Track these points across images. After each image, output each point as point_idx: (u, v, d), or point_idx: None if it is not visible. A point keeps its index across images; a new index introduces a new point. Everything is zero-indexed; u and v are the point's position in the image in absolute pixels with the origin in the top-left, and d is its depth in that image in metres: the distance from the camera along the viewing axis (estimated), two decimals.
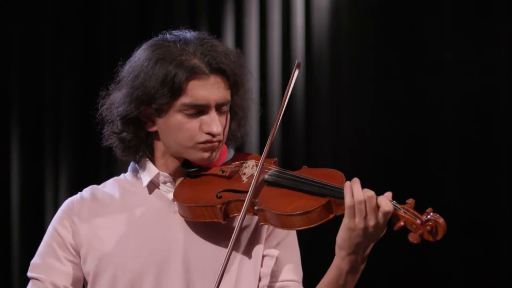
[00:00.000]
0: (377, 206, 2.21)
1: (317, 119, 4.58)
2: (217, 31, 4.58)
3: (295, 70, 2.41)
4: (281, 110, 2.38)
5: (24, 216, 4.61)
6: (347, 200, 2.21)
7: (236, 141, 2.51)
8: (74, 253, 2.42)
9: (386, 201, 2.21)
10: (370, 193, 2.22)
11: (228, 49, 2.42)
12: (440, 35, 4.50)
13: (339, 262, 2.25)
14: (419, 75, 4.51)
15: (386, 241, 4.35)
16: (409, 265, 4.50)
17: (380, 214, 2.20)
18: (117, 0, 4.69)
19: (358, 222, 2.20)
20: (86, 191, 2.49)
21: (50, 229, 2.46)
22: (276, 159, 2.45)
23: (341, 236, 2.24)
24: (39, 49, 4.64)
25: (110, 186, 2.49)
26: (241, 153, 2.51)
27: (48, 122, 4.64)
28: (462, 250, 4.47)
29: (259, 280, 2.41)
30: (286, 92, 2.41)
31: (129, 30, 4.61)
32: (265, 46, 4.59)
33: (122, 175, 2.52)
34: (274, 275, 2.41)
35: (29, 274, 2.44)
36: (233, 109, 2.45)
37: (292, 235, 2.45)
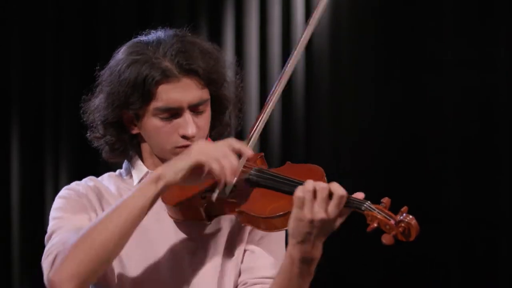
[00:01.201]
0: (328, 199, 2.15)
1: (317, 117, 4.58)
2: (217, 29, 4.58)
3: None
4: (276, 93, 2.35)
5: (24, 216, 4.61)
6: (296, 191, 2.17)
7: (229, 133, 2.51)
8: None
9: (338, 186, 2.16)
10: (323, 184, 2.17)
11: (204, 47, 2.39)
12: (440, 35, 4.50)
13: (290, 249, 2.20)
14: (419, 74, 4.51)
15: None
16: (408, 265, 4.50)
17: (332, 203, 2.15)
18: (117, 0, 4.69)
19: (306, 213, 2.15)
20: (89, 180, 2.48)
21: (60, 197, 2.40)
22: (263, 153, 2.42)
23: (291, 224, 2.19)
24: (39, 49, 4.65)
25: (106, 181, 2.49)
26: None
27: (48, 122, 4.64)
28: (462, 250, 4.47)
29: (239, 275, 2.40)
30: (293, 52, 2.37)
31: (129, 30, 4.61)
32: (265, 44, 4.59)
33: (117, 171, 2.53)
34: (251, 271, 2.39)
35: (46, 237, 2.35)
36: (222, 103, 2.44)
37: (277, 232, 2.42)
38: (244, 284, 2.39)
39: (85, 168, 4.56)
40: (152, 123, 2.36)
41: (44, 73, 4.65)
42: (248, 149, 2.25)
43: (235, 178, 2.23)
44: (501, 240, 4.46)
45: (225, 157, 2.20)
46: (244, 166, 2.31)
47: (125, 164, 2.51)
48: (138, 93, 2.32)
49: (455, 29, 4.48)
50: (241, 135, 4.53)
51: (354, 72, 4.56)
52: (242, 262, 2.41)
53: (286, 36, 4.58)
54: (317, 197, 2.15)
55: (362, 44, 4.56)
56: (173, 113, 2.35)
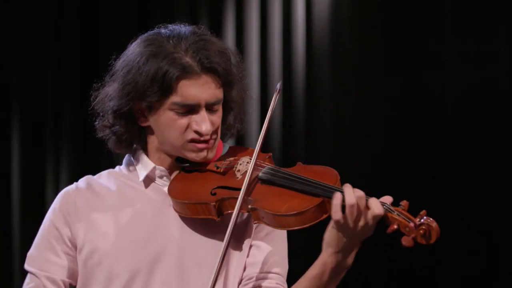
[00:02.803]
0: (367, 207, 2.20)
1: (317, 113, 4.58)
2: (217, 24, 4.59)
3: (276, 95, 2.41)
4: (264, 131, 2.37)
5: (25, 213, 4.61)
6: (334, 198, 2.20)
7: (232, 134, 2.52)
8: (71, 245, 2.42)
9: (377, 204, 2.20)
10: (360, 193, 2.20)
11: (222, 47, 2.41)
12: (440, 30, 4.50)
13: (326, 258, 2.24)
14: (419, 73, 4.51)
15: (384, 240, 4.35)
16: (408, 265, 4.49)
17: (369, 216, 2.20)
18: (117, 0, 4.70)
19: (349, 223, 2.20)
20: (82, 181, 2.49)
21: (46, 221, 2.47)
22: (271, 154, 2.44)
23: (329, 234, 2.23)
24: (39, 46, 4.66)
25: (105, 178, 2.50)
26: (236, 147, 2.52)
27: (49, 118, 4.65)
28: (461, 250, 4.47)
29: (244, 270, 2.42)
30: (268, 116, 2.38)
31: (129, 26, 4.62)
32: (265, 40, 4.60)
33: (117, 168, 2.53)
34: (258, 266, 2.41)
35: (26, 267, 2.45)
36: (229, 104, 2.45)
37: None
38: (250, 278, 2.40)
39: (86, 164, 4.56)
40: (166, 116, 2.37)
41: (44, 69, 4.66)
42: None
43: (245, 169, 2.24)
44: (501, 240, 4.46)
45: None
46: (256, 165, 2.33)
47: (126, 159, 2.51)
48: (157, 87, 2.33)
49: (455, 25, 4.47)
50: (242, 137, 4.54)
51: (354, 66, 4.55)
52: (248, 256, 2.42)
53: (286, 33, 4.58)
54: (359, 207, 2.19)
55: (363, 39, 4.56)
56: (189, 109, 2.36)
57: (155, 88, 2.33)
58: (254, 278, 2.40)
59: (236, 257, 2.41)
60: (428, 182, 4.49)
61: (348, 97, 4.57)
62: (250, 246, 2.43)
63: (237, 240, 2.41)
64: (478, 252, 4.47)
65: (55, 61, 4.67)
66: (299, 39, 4.57)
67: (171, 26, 2.44)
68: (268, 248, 2.42)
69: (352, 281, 4.52)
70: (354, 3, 4.55)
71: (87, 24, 4.71)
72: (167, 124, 2.37)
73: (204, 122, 2.35)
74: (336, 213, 2.20)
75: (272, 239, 2.43)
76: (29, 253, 2.45)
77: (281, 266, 2.43)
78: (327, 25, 4.56)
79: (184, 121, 2.36)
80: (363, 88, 4.56)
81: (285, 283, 2.42)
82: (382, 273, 4.54)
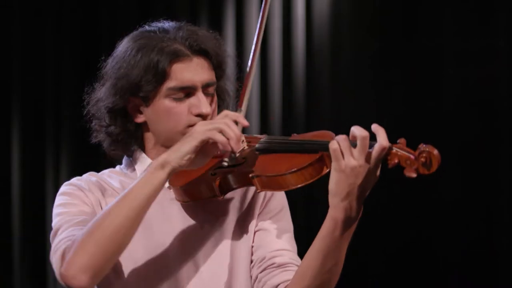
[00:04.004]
0: (367, 146, 2.16)
1: (317, 113, 4.58)
2: (217, 24, 4.59)
3: None
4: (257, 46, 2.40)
5: (25, 212, 4.61)
6: (330, 143, 2.17)
7: None
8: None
9: (384, 136, 2.17)
10: (364, 133, 2.17)
11: (207, 33, 2.44)
12: (440, 29, 4.50)
13: (333, 211, 2.18)
14: (419, 69, 4.51)
15: (385, 235, 4.34)
16: (407, 263, 4.49)
17: (376, 149, 2.15)
18: (117, 0, 4.70)
19: (347, 161, 2.15)
20: (92, 175, 2.48)
21: (62, 193, 2.40)
22: (266, 135, 2.45)
23: (332, 180, 2.17)
24: (39, 42, 4.67)
25: (108, 176, 2.50)
26: None
27: (49, 118, 4.65)
28: (461, 249, 4.47)
29: (252, 254, 2.41)
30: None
31: (130, 22, 4.62)
32: (265, 40, 4.60)
33: (118, 167, 2.53)
34: (267, 246, 2.40)
35: (52, 235, 2.33)
36: (219, 95, 2.47)
37: (285, 210, 2.46)
38: (262, 259, 2.40)
39: (86, 164, 4.56)
40: (163, 105, 2.37)
41: (44, 68, 4.67)
42: (243, 118, 2.29)
43: (242, 146, 2.28)
44: (501, 240, 4.46)
45: (228, 128, 2.22)
46: (252, 141, 2.35)
47: (125, 159, 2.51)
48: (151, 75, 2.34)
49: (455, 24, 4.48)
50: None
51: (354, 62, 4.56)
52: (253, 241, 2.42)
53: (286, 31, 4.58)
54: (359, 143, 2.15)
55: (363, 35, 4.56)
56: (186, 92, 2.37)
57: (149, 77, 2.34)
58: (266, 258, 2.39)
59: (241, 244, 2.41)
60: (428, 182, 4.48)
61: (348, 97, 4.57)
62: (256, 230, 2.43)
63: (241, 226, 2.42)
64: (478, 252, 4.47)
65: (55, 61, 4.68)
66: (299, 38, 4.57)
67: (154, 23, 2.46)
68: (274, 229, 2.41)
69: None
70: (354, 3, 4.55)
71: (87, 23, 4.72)
72: (165, 113, 2.38)
73: (204, 103, 2.36)
74: (336, 157, 2.15)
75: (277, 221, 2.43)
76: (53, 225, 2.36)
77: (290, 243, 2.42)
78: (327, 24, 4.57)
79: (182, 107, 2.37)
80: (363, 88, 4.56)
81: (298, 258, 2.40)
82: (381, 270, 4.54)
